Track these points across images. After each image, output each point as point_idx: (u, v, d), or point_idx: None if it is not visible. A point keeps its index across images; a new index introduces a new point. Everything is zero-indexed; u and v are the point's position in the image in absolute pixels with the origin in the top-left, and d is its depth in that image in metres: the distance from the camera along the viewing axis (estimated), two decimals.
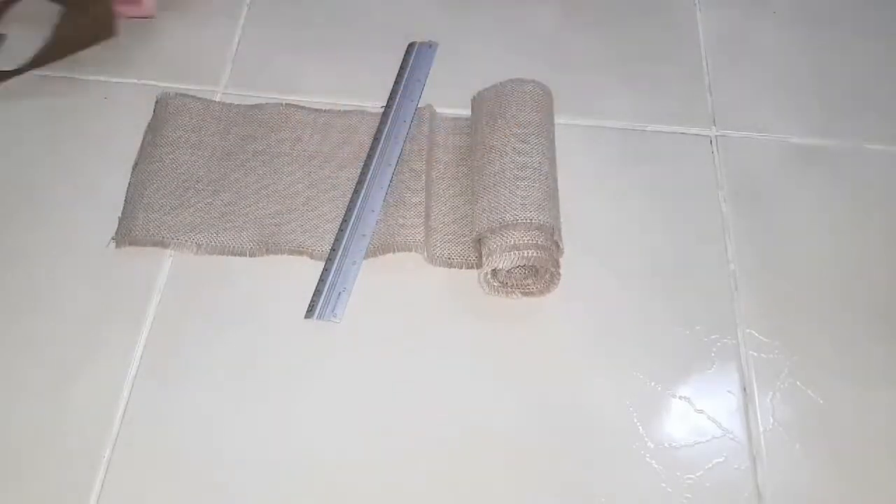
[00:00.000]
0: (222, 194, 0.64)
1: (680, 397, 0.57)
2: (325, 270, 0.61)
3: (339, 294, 0.60)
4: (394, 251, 0.61)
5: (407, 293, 0.60)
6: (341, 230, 0.62)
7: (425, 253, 0.61)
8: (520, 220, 0.57)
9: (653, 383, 0.57)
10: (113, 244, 0.61)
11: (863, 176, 0.68)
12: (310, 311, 0.59)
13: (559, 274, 0.58)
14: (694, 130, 0.70)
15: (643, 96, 0.72)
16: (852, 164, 0.69)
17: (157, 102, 0.69)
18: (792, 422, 0.56)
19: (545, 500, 0.53)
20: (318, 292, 0.60)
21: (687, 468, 0.54)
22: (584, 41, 0.75)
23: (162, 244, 0.61)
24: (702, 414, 0.57)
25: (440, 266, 0.61)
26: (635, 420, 0.56)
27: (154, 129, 0.67)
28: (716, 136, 0.70)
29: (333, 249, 0.61)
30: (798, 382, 0.58)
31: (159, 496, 0.52)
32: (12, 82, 0.70)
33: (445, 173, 0.66)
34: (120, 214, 0.63)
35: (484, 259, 0.58)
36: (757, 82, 0.74)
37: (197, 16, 0.76)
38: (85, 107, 0.69)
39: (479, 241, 0.60)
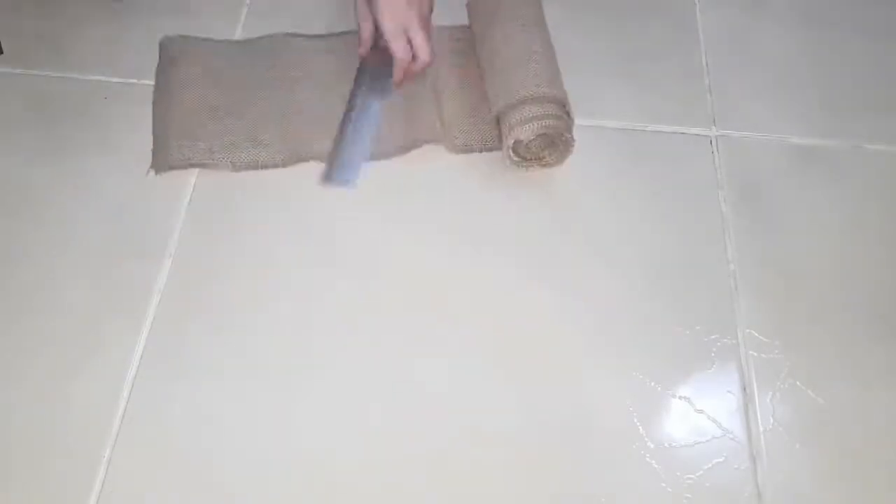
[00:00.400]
0: (245, 117, 0.68)
1: (680, 397, 0.57)
2: (338, 140, 0.65)
3: (354, 161, 0.65)
4: (417, 146, 0.66)
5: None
6: (350, 104, 0.67)
7: (445, 143, 0.66)
8: (536, 95, 0.62)
9: (653, 383, 0.57)
10: (153, 172, 0.65)
11: (863, 176, 0.68)
12: (326, 178, 0.64)
13: (573, 140, 0.63)
14: (694, 130, 0.70)
15: (643, 96, 0.72)
16: (852, 164, 0.69)
17: (160, 46, 0.71)
18: (792, 422, 0.56)
19: (545, 500, 0.53)
20: (332, 158, 0.65)
21: (687, 468, 0.54)
22: (585, 41, 0.75)
23: (200, 165, 0.65)
24: (702, 414, 0.57)
25: (460, 153, 0.66)
26: (635, 420, 0.56)
27: (163, 71, 0.70)
28: (716, 136, 0.70)
29: (344, 122, 0.66)
30: (798, 382, 0.58)
31: (159, 496, 0.52)
32: (12, 81, 0.70)
33: (451, 73, 0.70)
34: (152, 147, 0.66)
35: (505, 133, 0.63)
36: (757, 82, 0.74)
37: (197, 15, 0.76)
38: (85, 107, 0.69)
39: (497, 120, 0.64)
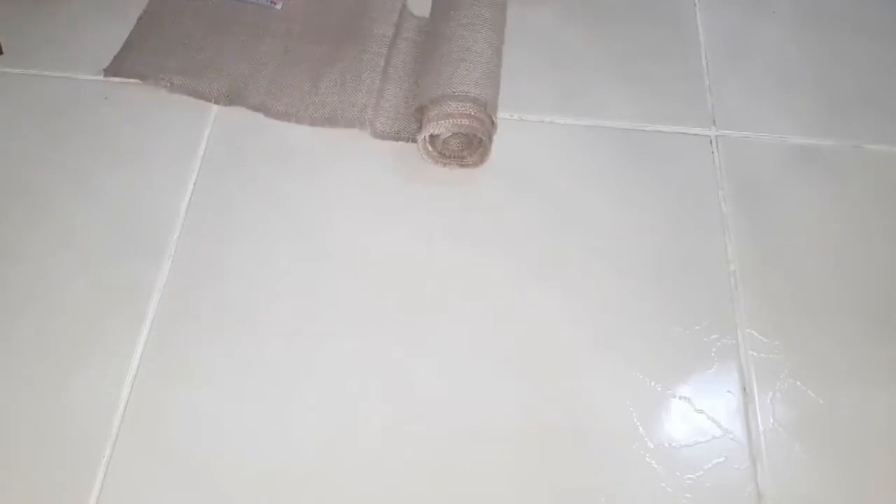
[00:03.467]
0: (206, 51, 0.72)
1: (680, 397, 0.57)
2: None
3: None
4: (342, 126, 0.68)
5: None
6: None
7: (369, 129, 0.68)
8: (457, 93, 0.63)
9: (653, 383, 0.57)
10: (103, 74, 0.70)
11: (863, 176, 0.68)
12: None
13: (490, 145, 0.64)
14: (694, 130, 0.70)
15: (643, 96, 0.72)
16: (852, 164, 0.69)
17: None
18: (792, 422, 0.56)
19: (545, 500, 0.53)
20: None
21: (687, 468, 0.54)
22: (585, 41, 0.75)
23: (142, 78, 0.70)
24: (702, 414, 0.57)
25: (387, 140, 0.67)
26: (635, 420, 0.56)
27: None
28: (716, 136, 0.70)
29: None
30: (798, 382, 0.58)
31: (159, 496, 0.52)
32: (12, 81, 0.70)
33: (405, 62, 0.72)
34: (117, 52, 0.72)
35: (423, 126, 0.63)
36: (757, 82, 0.74)
37: None
38: (85, 107, 0.69)
39: (420, 111, 0.65)
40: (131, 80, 0.71)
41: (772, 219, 0.65)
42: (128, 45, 0.72)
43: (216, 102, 0.69)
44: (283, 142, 0.68)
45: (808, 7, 0.80)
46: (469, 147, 0.65)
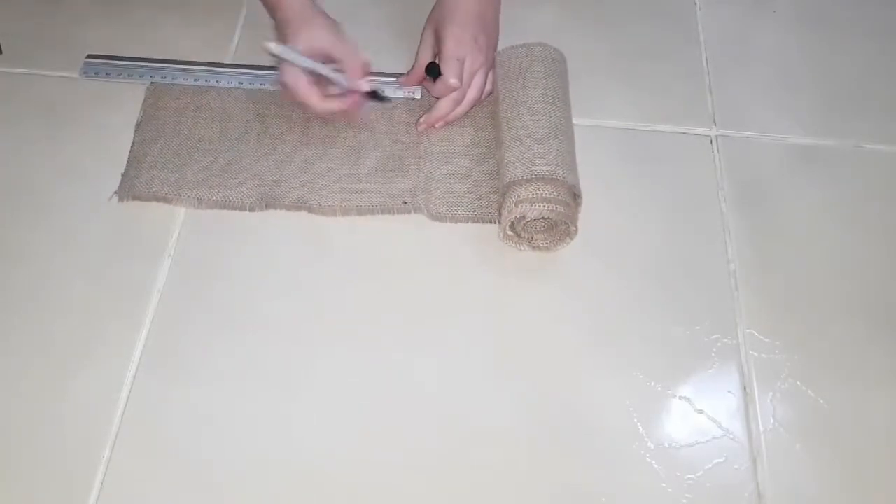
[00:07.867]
0: (224, 153, 0.66)
1: (680, 397, 0.57)
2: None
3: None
4: (393, 213, 0.64)
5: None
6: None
7: (426, 212, 0.64)
8: (554, 176, 0.59)
9: (653, 383, 0.57)
10: (116, 198, 0.64)
11: (863, 176, 0.68)
12: None
13: (576, 231, 0.60)
14: (694, 130, 0.70)
15: (644, 96, 0.72)
16: (852, 164, 0.69)
17: (148, 88, 0.70)
18: (792, 422, 0.56)
19: (545, 500, 0.53)
20: None
21: (687, 468, 0.54)
22: (585, 41, 0.75)
23: (164, 199, 0.64)
24: (702, 414, 0.57)
25: (445, 222, 0.63)
26: (635, 420, 0.56)
27: (157, 95, 0.69)
28: (716, 136, 0.70)
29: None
30: (798, 382, 0.58)
31: (159, 496, 0.52)
32: (12, 81, 0.70)
33: (442, 137, 0.67)
34: (123, 171, 0.65)
35: (513, 205, 0.59)
36: (757, 82, 0.74)
37: (196, 17, 0.76)
38: (85, 107, 0.69)
39: (507, 187, 0.60)
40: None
41: (772, 219, 0.65)
42: (134, 160, 0.65)
43: (251, 209, 0.63)
44: None
45: (808, 7, 0.80)
46: (547, 231, 0.61)
